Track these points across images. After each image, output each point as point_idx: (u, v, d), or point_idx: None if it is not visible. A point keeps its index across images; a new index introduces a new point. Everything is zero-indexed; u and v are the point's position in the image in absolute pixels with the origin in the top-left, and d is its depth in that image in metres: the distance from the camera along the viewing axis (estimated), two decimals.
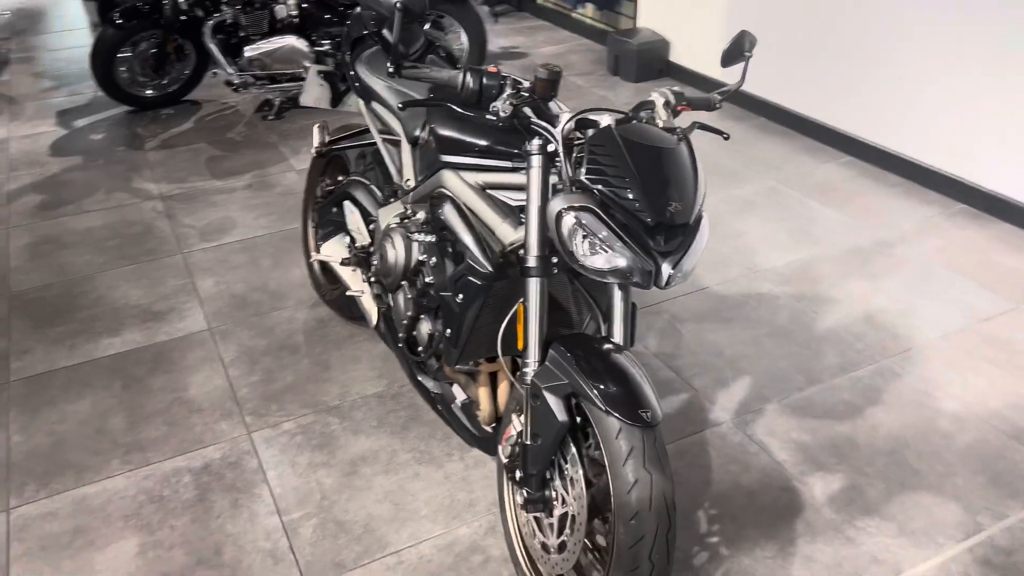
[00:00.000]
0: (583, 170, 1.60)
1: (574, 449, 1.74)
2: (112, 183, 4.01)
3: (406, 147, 2.26)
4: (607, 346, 1.71)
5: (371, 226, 2.45)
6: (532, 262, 1.73)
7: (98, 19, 4.56)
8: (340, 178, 2.83)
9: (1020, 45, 3.32)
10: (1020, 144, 3.43)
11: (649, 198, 1.56)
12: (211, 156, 4.28)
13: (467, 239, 1.86)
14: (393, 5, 1.77)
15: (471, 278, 1.85)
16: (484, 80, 1.71)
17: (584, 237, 1.58)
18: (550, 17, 6.38)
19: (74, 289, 3.17)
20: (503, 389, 2.11)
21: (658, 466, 1.59)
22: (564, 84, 5.17)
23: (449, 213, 1.92)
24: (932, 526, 2.14)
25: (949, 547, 2.08)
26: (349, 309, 2.83)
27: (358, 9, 2.55)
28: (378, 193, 2.48)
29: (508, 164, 1.86)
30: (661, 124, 1.78)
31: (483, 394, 2.11)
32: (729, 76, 4.75)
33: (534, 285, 1.74)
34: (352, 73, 2.50)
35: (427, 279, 2.04)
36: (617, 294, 1.72)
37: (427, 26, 4.79)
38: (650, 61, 5.15)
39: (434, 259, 2.01)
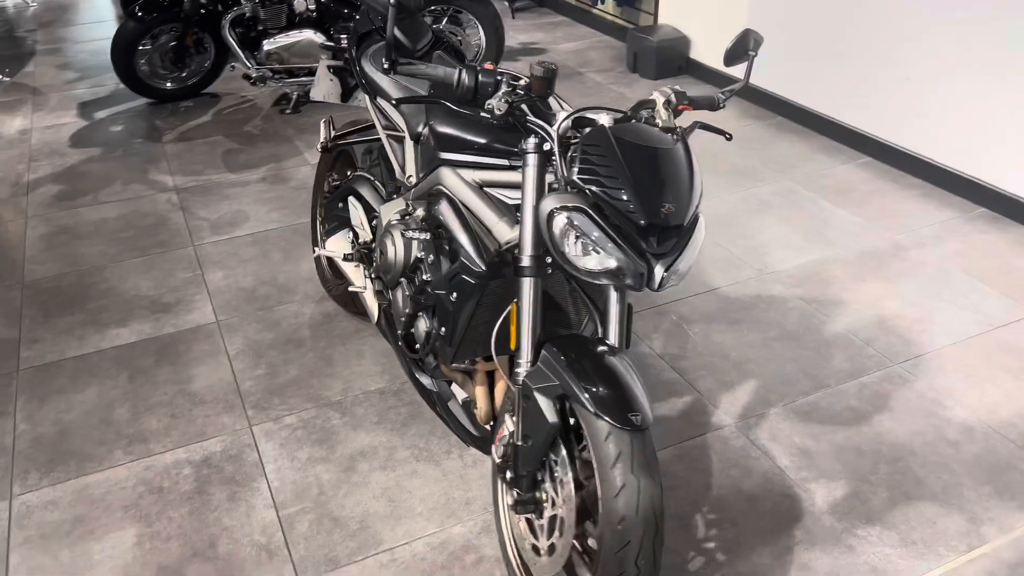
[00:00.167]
0: (575, 169, 1.58)
1: (564, 451, 1.72)
2: (129, 175, 4.05)
3: (409, 143, 2.25)
4: (601, 348, 1.68)
5: (374, 222, 2.44)
6: (526, 262, 1.71)
7: (121, 12, 4.60)
8: (348, 173, 2.83)
9: None
10: None
11: (642, 199, 1.53)
12: (227, 149, 4.30)
13: (462, 237, 1.85)
14: (387, 1, 1.76)
15: (465, 277, 1.84)
16: (480, 77, 1.69)
17: (576, 238, 1.57)
18: (570, 13, 6.34)
19: (86, 279, 3.21)
20: (500, 388, 2.09)
21: (646, 471, 1.56)
22: (583, 81, 5.15)
23: (445, 211, 1.91)
24: (935, 537, 2.10)
25: (951, 559, 2.04)
26: (355, 304, 2.84)
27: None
28: (382, 189, 2.48)
29: (506, 162, 1.85)
30: (661, 124, 1.75)
31: (480, 393, 2.10)
32: (755, 77, 4.69)
33: (528, 285, 1.73)
34: (358, 68, 2.50)
35: (424, 276, 2.03)
36: (612, 295, 1.70)
37: (444, 21, 4.80)
38: (670, 58, 5.10)
39: (432, 257, 2.00)
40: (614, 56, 5.56)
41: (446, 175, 1.93)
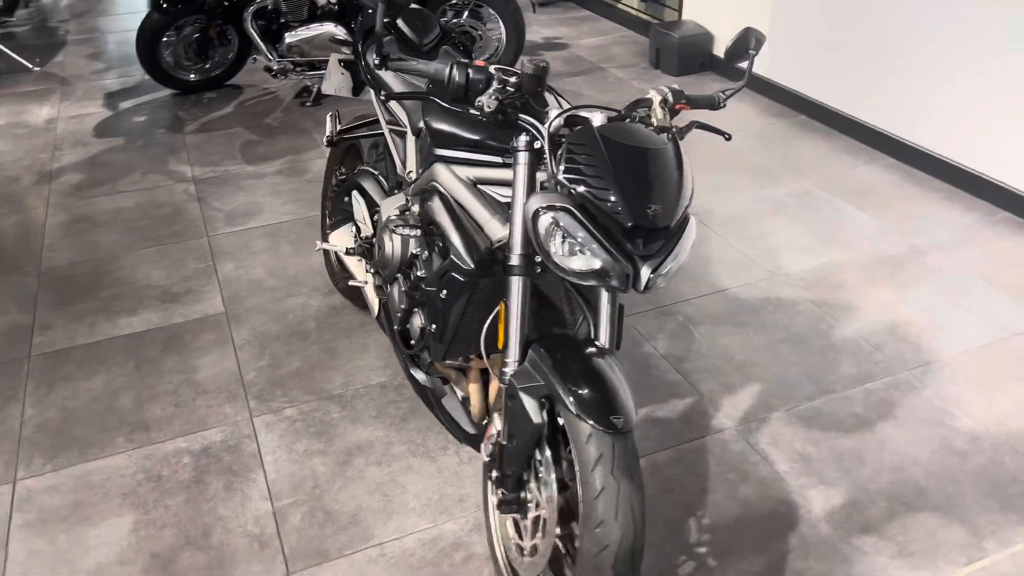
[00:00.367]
0: (561, 169, 1.56)
1: (549, 452, 1.71)
2: (149, 165, 4.10)
3: (411, 138, 2.24)
4: (590, 349, 1.67)
5: (375, 217, 2.45)
6: (515, 260, 1.70)
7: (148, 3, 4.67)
8: (356, 167, 2.84)
9: None
10: None
11: (627, 200, 1.51)
12: (246, 141, 4.34)
13: (452, 235, 1.84)
14: None
15: (455, 274, 1.83)
16: (471, 74, 1.68)
17: (562, 238, 1.55)
18: (595, 8, 6.30)
19: (100, 268, 3.26)
20: (495, 386, 2.08)
21: (627, 474, 1.55)
22: (604, 77, 5.11)
23: (437, 207, 1.90)
24: (933, 548, 2.05)
25: (949, 572, 2.00)
26: (362, 298, 2.84)
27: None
28: (385, 184, 2.48)
29: (500, 160, 1.84)
30: (657, 123, 1.73)
31: (474, 390, 2.09)
32: (778, 74, 4.63)
33: (516, 284, 1.71)
34: (363, 63, 2.50)
35: (419, 273, 2.03)
36: (603, 296, 1.68)
37: (465, 15, 4.79)
38: (693, 54, 5.04)
39: (426, 253, 2.00)
40: (638, 52, 5.51)
41: (440, 171, 1.93)
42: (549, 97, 1.99)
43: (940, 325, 2.84)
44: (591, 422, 1.53)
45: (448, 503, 2.21)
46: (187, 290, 3.11)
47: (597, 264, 1.54)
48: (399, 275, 2.19)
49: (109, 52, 5.76)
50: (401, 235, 2.02)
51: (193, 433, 2.45)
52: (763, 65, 4.68)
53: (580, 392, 1.56)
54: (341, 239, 2.65)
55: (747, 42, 1.87)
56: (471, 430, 2.11)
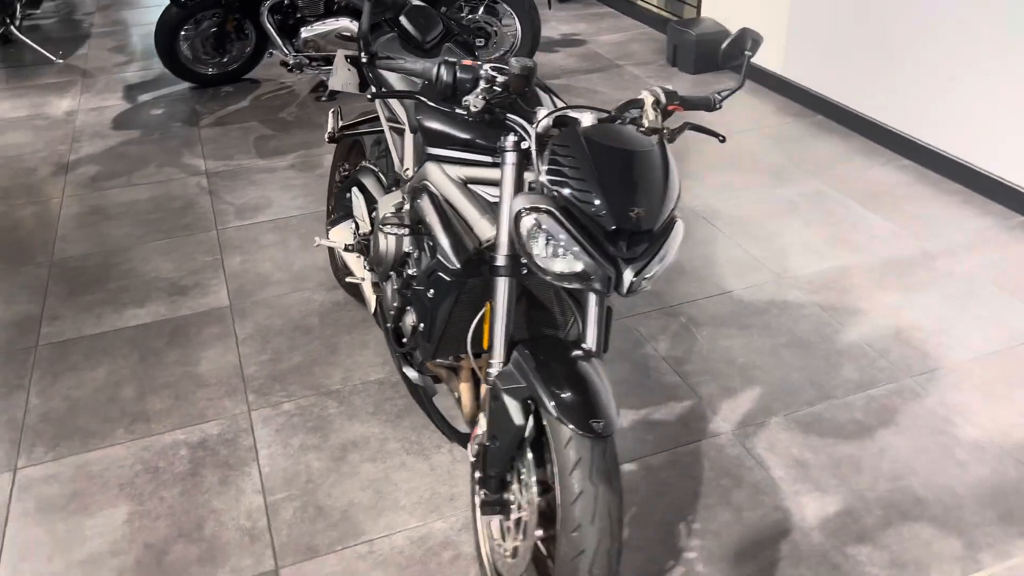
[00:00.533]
0: (544, 170, 1.55)
1: (532, 454, 1.70)
2: (163, 158, 4.14)
3: (409, 136, 2.24)
4: (576, 352, 1.65)
5: (373, 214, 2.45)
6: (501, 261, 1.70)
7: None
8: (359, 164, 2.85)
9: None
10: None
11: (610, 202, 1.50)
12: (260, 135, 4.37)
13: (439, 234, 1.84)
14: None
15: (440, 274, 1.83)
16: (458, 73, 1.67)
17: (545, 240, 1.54)
18: (616, 4, 6.26)
19: (110, 260, 3.30)
20: (485, 386, 2.08)
21: (605, 479, 1.54)
22: (620, 74, 5.08)
23: (425, 206, 1.90)
24: (927, 559, 2.02)
25: None
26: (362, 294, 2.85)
27: None
28: (385, 181, 2.49)
29: (491, 159, 1.83)
30: (648, 124, 1.71)
31: (465, 389, 2.09)
32: (795, 73, 4.58)
33: (502, 285, 1.71)
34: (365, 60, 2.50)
35: (410, 271, 2.03)
36: (591, 298, 1.67)
37: (481, 11, 4.78)
38: (710, 53, 4.99)
39: (416, 252, 2.00)
40: (656, 49, 5.47)
41: (431, 170, 1.92)
42: (544, 97, 1.98)
43: (948, 331, 2.79)
44: (571, 425, 1.53)
45: (439, 502, 2.21)
46: (195, 283, 3.14)
47: (579, 267, 1.53)
48: (392, 273, 2.20)
49: (132, 45, 5.83)
50: (389, 233, 2.02)
51: (192, 426, 2.48)
52: (779, 63, 4.62)
53: (561, 395, 1.55)
54: (341, 235, 2.66)
55: (743, 43, 1.84)
56: (462, 429, 2.11)
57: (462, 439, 2.11)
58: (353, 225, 2.62)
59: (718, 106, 1.83)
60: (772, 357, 2.70)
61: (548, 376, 1.58)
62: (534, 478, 1.68)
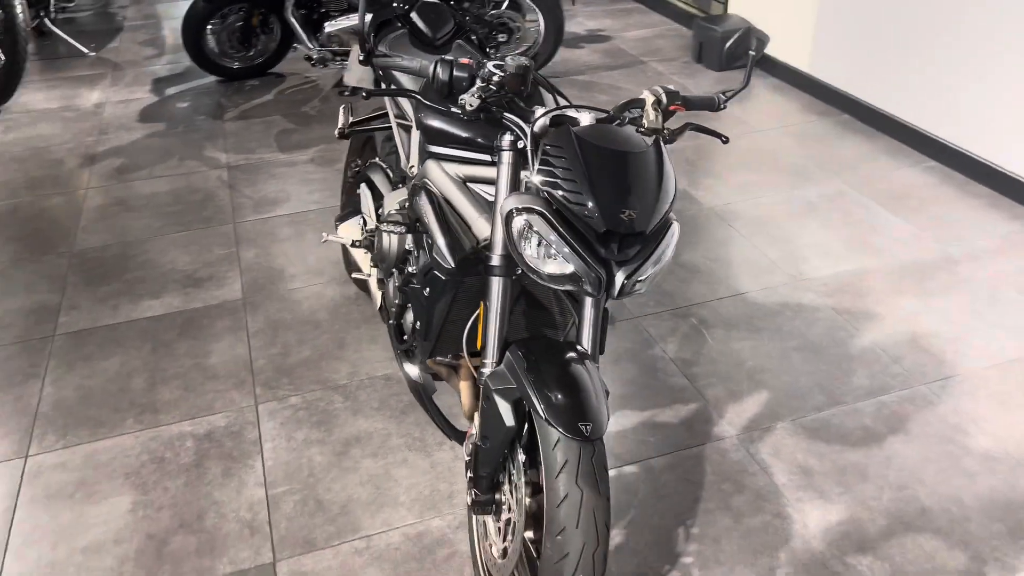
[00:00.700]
0: (536, 170, 1.54)
1: (524, 455, 1.69)
2: (186, 150, 4.19)
3: (415, 132, 2.24)
4: (569, 354, 1.64)
5: (379, 210, 2.46)
6: (495, 261, 1.69)
7: None
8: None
9: None
10: None
11: (601, 204, 1.48)
12: (283, 129, 4.40)
13: (435, 232, 1.84)
14: None
15: (436, 273, 1.83)
16: (454, 72, 1.67)
17: (535, 241, 1.53)
18: None
19: (129, 251, 3.34)
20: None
21: (591, 483, 1.52)
22: (644, 71, 5.03)
23: (423, 204, 1.90)
24: (930, 572, 1.98)
25: None
26: None
27: None
28: (392, 177, 2.49)
29: (490, 158, 1.83)
30: (648, 124, 1.69)
31: (464, 388, 2.08)
32: (821, 71, 4.50)
33: (497, 284, 1.70)
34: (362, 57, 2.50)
35: (410, 269, 2.03)
36: (587, 300, 1.66)
37: (504, 7, 4.76)
38: (736, 50, 4.92)
39: (417, 250, 2.00)
40: (682, 46, 5.41)
41: (431, 168, 1.92)
42: (547, 95, 1.96)
43: (965, 338, 2.73)
44: (558, 428, 1.52)
45: (437, 499, 2.21)
46: (209, 276, 3.18)
47: (570, 269, 1.52)
48: (395, 270, 2.20)
49: (163, 38, 5.90)
50: (385, 231, 2.02)
51: (199, 417, 2.50)
52: (806, 61, 4.55)
53: (550, 396, 1.54)
54: (349, 231, 2.67)
55: (747, 42, 1.82)
56: (462, 427, 2.11)
57: (461, 437, 2.10)
58: (361, 221, 2.63)
59: (722, 106, 1.80)
60: (782, 361, 2.66)
61: (539, 378, 1.57)
62: (524, 479, 1.67)
